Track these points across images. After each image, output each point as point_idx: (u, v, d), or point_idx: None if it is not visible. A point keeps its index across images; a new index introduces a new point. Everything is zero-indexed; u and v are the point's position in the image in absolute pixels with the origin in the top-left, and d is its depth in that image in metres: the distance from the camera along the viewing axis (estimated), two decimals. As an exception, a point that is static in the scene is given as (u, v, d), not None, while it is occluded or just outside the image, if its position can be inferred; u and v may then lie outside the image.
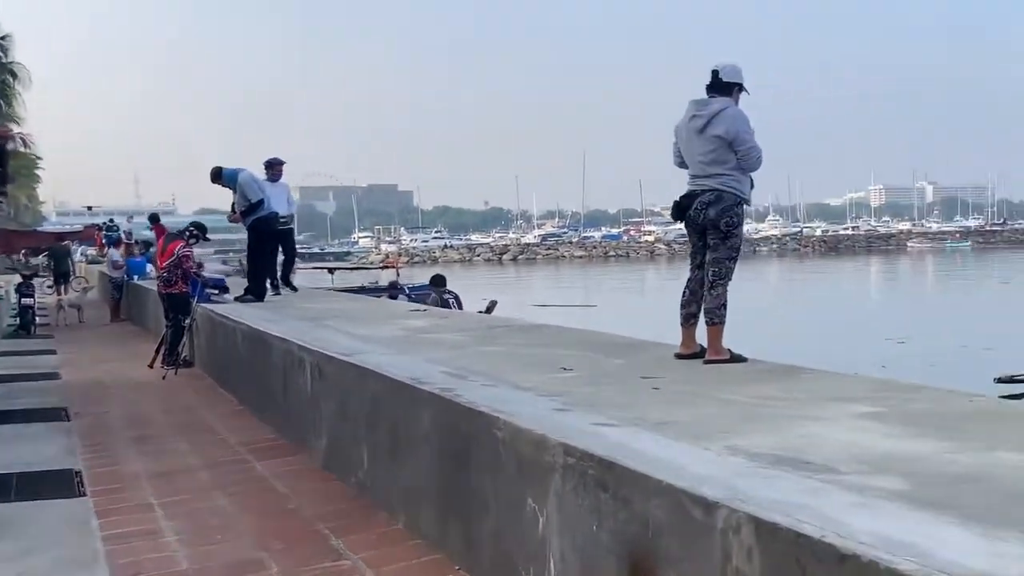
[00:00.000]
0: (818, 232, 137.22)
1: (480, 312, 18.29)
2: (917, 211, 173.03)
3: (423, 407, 5.26)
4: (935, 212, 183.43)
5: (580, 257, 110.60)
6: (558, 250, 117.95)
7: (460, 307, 16.74)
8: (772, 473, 3.27)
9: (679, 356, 6.27)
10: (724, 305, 6.14)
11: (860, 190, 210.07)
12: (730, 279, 6.21)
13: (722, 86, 6.23)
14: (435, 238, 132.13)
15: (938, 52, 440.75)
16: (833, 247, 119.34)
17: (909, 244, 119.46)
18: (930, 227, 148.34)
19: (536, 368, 6.01)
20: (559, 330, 8.65)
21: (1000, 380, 15.93)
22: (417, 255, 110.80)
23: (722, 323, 6.10)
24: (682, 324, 6.36)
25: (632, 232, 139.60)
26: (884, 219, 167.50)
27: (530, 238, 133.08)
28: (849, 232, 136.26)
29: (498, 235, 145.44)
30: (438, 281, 17.69)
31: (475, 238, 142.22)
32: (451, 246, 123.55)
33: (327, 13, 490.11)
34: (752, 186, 6.30)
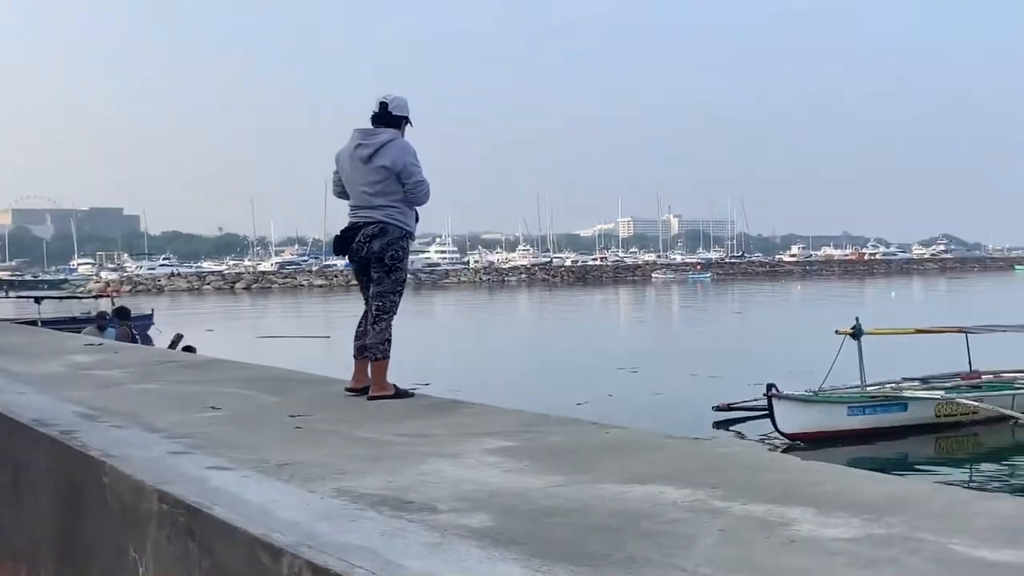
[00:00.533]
0: (568, 262, 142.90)
1: (167, 347, 17.67)
2: (663, 243, 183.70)
3: (41, 450, 5.04)
4: (679, 244, 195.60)
5: (320, 286, 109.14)
6: (296, 279, 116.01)
7: (145, 340, 16.21)
8: (364, 515, 3.26)
9: (349, 391, 6.23)
10: (389, 340, 6.16)
11: (610, 221, 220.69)
12: (395, 313, 6.24)
13: (390, 118, 6.29)
14: (163, 265, 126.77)
15: (683, 86, 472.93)
16: (582, 277, 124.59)
17: (654, 275, 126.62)
18: (674, 258, 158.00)
19: (183, 407, 5.81)
20: (231, 365, 8.43)
21: (717, 408, 17.01)
22: (141, 283, 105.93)
23: (387, 358, 6.12)
24: (355, 357, 6.33)
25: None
26: (632, 250, 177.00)
27: (267, 266, 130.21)
28: (597, 263, 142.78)
29: (232, 262, 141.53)
30: (122, 313, 17.26)
31: (207, 265, 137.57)
32: (179, 274, 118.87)
33: (56, 28, 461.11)
34: (417, 220, 6.38)
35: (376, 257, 6.14)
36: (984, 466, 13.68)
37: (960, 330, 17.13)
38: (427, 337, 34.18)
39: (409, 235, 6.28)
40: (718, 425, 16.55)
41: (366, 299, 6.33)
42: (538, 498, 3.45)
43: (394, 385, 6.09)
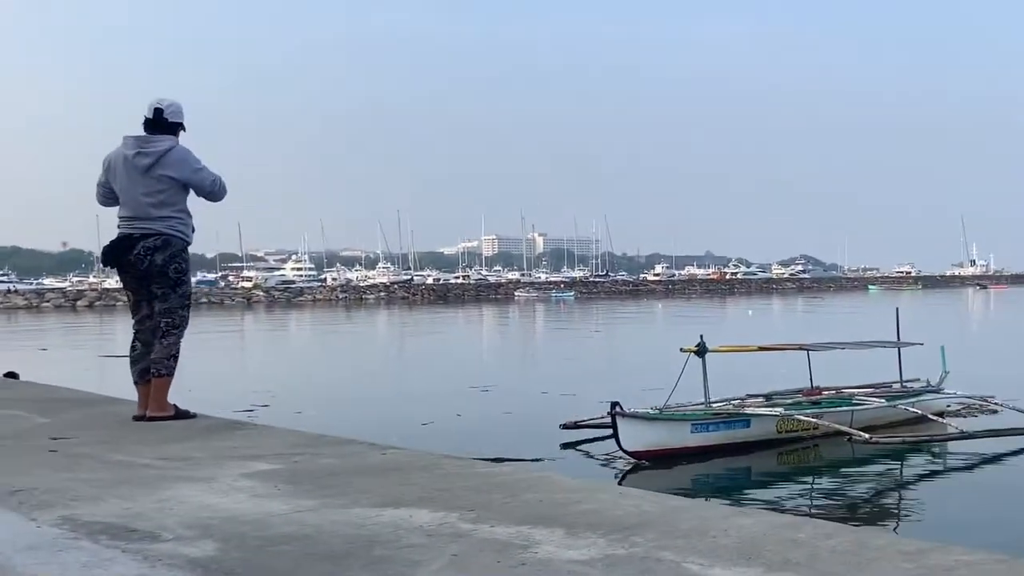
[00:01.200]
0: (429, 280, 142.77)
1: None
2: (527, 261, 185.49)
3: None
4: (544, 262, 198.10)
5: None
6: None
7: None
8: (76, 544, 3.04)
9: (137, 419, 5.89)
10: (175, 356, 5.89)
11: (474, 239, 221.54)
12: (185, 328, 5.96)
13: (166, 125, 6.03)
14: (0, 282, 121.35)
15: (547, 103, 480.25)
16: (443, 296, 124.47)
17: (516, 294, 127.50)
18: (539, 277, 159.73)
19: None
20: (28, 387, 7.94)
21: (565, 426, 17.00)
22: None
23: (171, 375, 5.84)
24: (136, 383, 6.00)
25: (231, 278, 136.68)
26: (495, 268, 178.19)
27: (111, 283, 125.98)
28: (460, 281, 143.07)
29: (76, 279, 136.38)
30: None
31: (48, 282, 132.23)
32: (16, 291, 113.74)
33: None
34: (193, 230, 6.12)
35: (159, 271, 5.87)
36: (823, 480, 14.05)
37: (801, 347, 17.65)
38: (272, 356, 33.44)
39: (188, 246, 6.01)
40: (566, 445, 16.56)
41: (138, 315, 6.01)
42: (276, 524, 3.26)
43: (174, 405, 5.81)
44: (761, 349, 17.70)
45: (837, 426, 15.18)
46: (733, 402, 16.83)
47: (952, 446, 15.30)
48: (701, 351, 15.73)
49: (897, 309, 19.54)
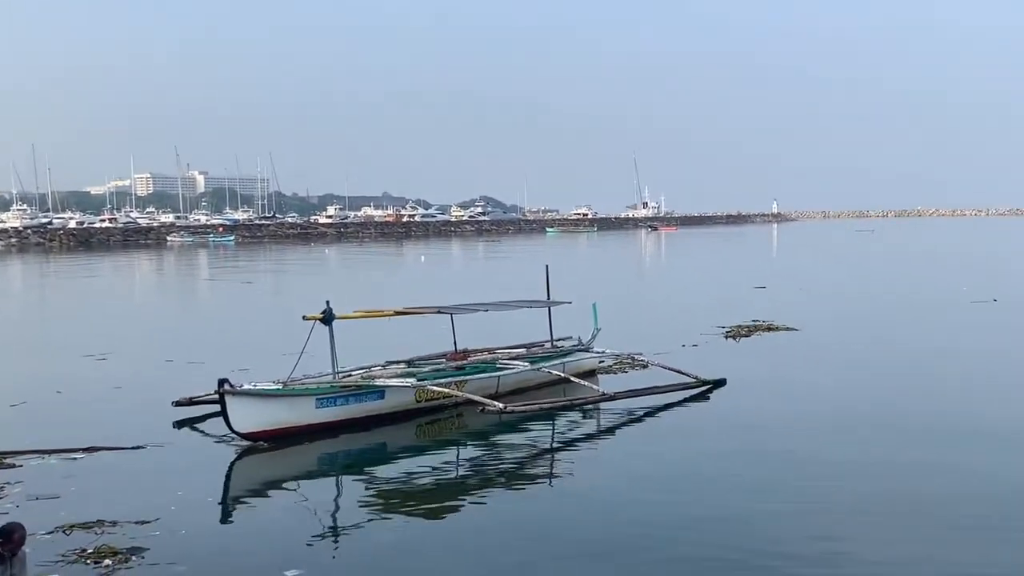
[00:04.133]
0: (72, 224, 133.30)
1: None
2: (185, 202, 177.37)
3: None
4: (204, 204, 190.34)
5: None
6: None
7: None
8: None
9: None
10: None
11: (126, 178, 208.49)
12: None
13: None
14: None
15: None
16: (85, 241, 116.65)
17: (169, 238, 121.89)
18: (198, 220, 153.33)
19: None
20: None
21: (178, 403, 15.77)
22: None
23: None
24: None
25: None
26: (149, 210, 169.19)
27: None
28: (105, 224, 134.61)
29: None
30: None
31: None
32: None
33: None
34: None
35: None
36: (468, 449, 13.81)
37: (439, 311, 17.38)
38: None
39: None
40: (182, 423, 15.34)
41: None
42: None
43: None
44: (397, 314, 17.26)
45: (471, 396, 14.99)
46: (374, 369, 16.31)
47: (599, 405, 15.59)
48: (327, 319, 15.00)
49: (547, 267, 19.72)
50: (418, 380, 15.44)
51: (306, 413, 14.30)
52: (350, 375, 15.74)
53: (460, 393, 15.27)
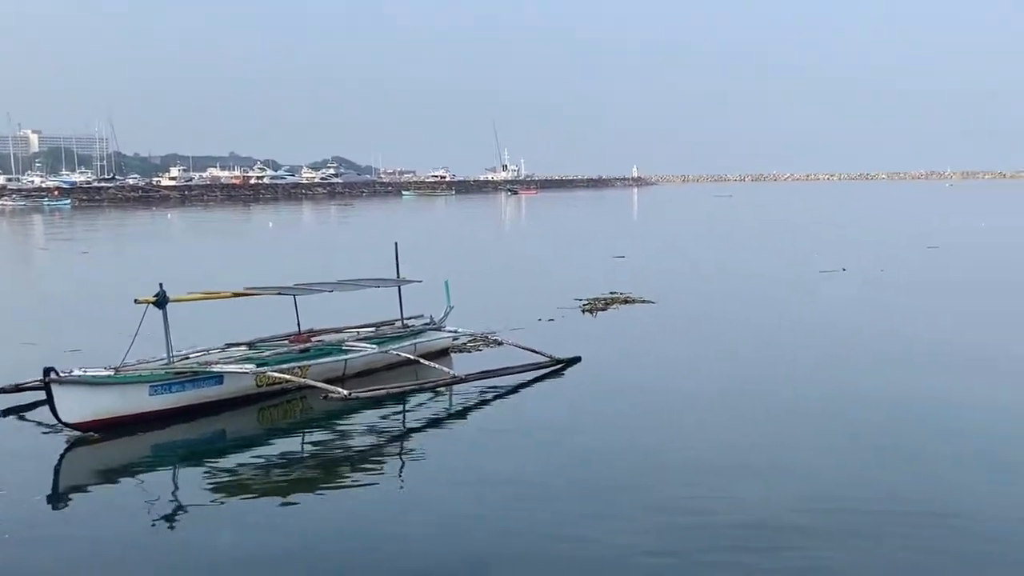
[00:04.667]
0: None
1: None
2: (18, 163, 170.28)
3: None
4: (38, 165, 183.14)
5: None
6: None
7: None
8: None
9: None
10: None
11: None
12: None
13: None
14: None
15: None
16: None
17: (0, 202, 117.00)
18: (31, 182, 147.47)
19: None
20: None
21: (3, 390, 15.05)
22: None
23: None
24: None
25: None
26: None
27: None
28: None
29: None
30: None
31: None
32: None
33: None
34: None
35: None
36: (313, 434, 13.57)
37: (280, 292, 16.98)
38: None
39: None
40: (6, 412, 14.66)
41: None
42: None
43: None
44: (236, 295, 16.78)
45: (313, 383, 14.71)
46: (213, 352, 15.86)
47: (451, 388, 15.49)
48: (160, 302, 14.51)
49: (396, 244, 19.43)
50: (258, 365, 15.06)
51: (139, 401, 13.82)
52: (188, 358, 15.27)
53: (301, 380, 14.97)
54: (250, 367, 14.80)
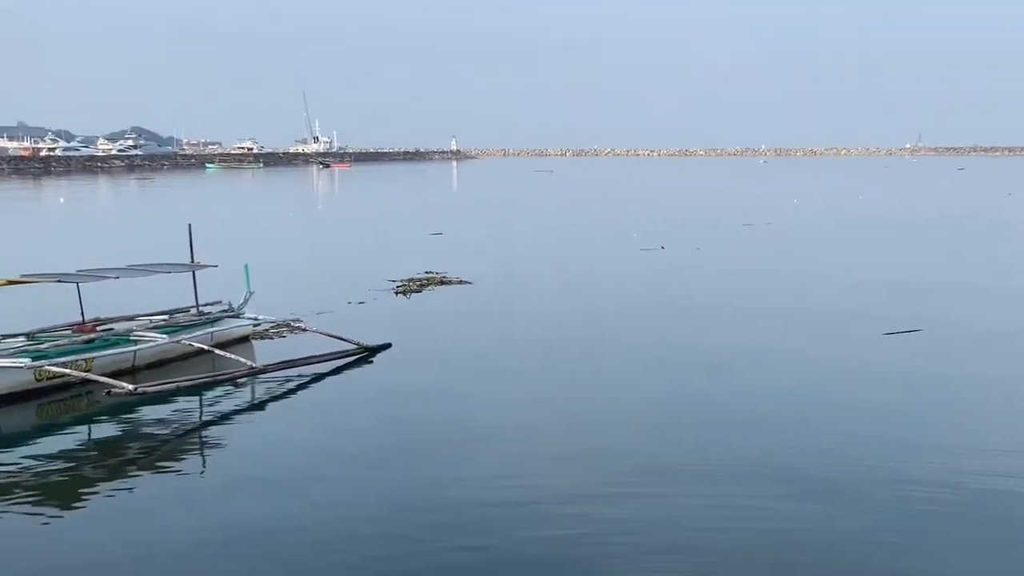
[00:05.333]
0: None
1: None
2: None
3: None
4: None
5: None
6: None
7: None
8: None
9: None
10: None
11: None
12: None
13: None
14: None
15: None
16: None
17: None
18: None
19: None
20: None
21: None
22: None
23: None
24: None
25: None
26: None
27: None
28: None
29: None
30: None
31: None
32: None
33: None
34: None
35: None
36: (98, 431, 12.98)
37: (60, 280, 16.13)
38: None
39: None
40: None
41: None
42: None
43: None
44: (11, 283, 15.83)
45: (95, 377, 14.07)
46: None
47: (250, 379, 15.03)
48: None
49: (190, 226, 18.70)
50: (35, 357, 14.25)
51: None
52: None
53: (81, 374, 14.23)
54: (24, 361, 14.00)
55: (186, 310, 17.89)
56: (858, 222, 46.48)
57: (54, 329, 16.04)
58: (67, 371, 14.15)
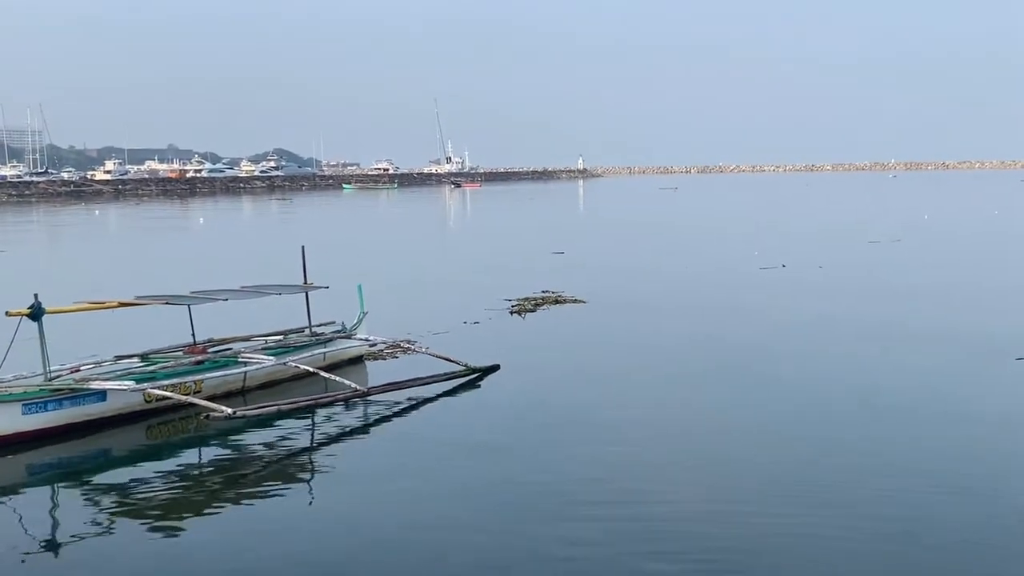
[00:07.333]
0: None
1: None
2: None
3: None
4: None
5: None
6: None
7: None
8: None
9: None
10: None
11: None
12: None
13: None
14: None
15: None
16: None
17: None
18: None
19: None
20: None
21: None
22: None
23: None
24: None
25: None
26: None
27: None
28: None
29: None
30: None
31: None
32: None
33: None
34: None
35: None
36: (206, 454, 12.77)
37: (168, 302, 16.00)
38: None
39: None
40: None
41: None
42: None
43: None
44: (122, 305, 15.79)
45: (197, 400, 13.87)
46: (105, 364, 14.92)
47: (355, 401, 14.68)
48: (36, 314, 13.55)
49: (303, 248, 18.44)
50: (139, 380, 14.10)
51: (11, 421, 12.89)
52: (78, 371, 14.33)
53: (183, 397, 13.99)
54: (130, 383, 13.86)
55: (300, 330, 17.64)
56: (994, 239, 44.27)
57: (168, 350, 15.94)
58: (169, 394, 13.94)
